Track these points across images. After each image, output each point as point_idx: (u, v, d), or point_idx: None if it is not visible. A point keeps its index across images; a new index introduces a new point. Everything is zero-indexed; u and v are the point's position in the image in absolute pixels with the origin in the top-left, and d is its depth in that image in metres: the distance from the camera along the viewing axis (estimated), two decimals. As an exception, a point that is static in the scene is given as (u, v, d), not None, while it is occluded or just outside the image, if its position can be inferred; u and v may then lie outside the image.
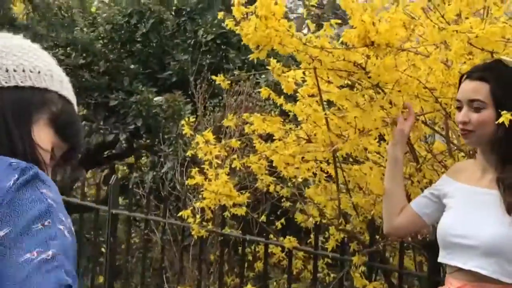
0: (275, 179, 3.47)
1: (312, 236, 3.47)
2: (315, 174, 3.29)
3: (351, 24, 2.49)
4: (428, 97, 2.64)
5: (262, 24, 2.44)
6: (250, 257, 4.21)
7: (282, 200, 3.74)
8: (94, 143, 6.55)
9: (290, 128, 3.20)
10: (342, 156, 3.22)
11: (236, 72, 3.40)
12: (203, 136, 3.06)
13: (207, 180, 3.25)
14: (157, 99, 5.38)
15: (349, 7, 2.47)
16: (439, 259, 2.31)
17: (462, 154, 2.89)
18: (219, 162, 3.16)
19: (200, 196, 3.41)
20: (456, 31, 2.16)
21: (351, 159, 3.30)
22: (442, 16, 2.23)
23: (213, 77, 2.91)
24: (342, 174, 3.06)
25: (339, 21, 2.51)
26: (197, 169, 3.28)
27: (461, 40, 2.18)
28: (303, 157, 3.16)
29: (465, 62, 2.40)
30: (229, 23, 2.54)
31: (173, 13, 6.76)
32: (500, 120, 2.05)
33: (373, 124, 2.59)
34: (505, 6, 2.55)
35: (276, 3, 2.51)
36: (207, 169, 3.27)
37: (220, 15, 2.60)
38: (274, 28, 2.46)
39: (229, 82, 3.02)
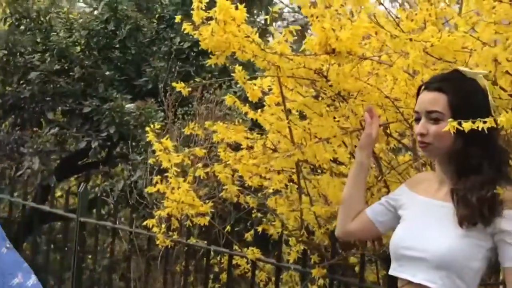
0: (241, 188, 3.42)
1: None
2: (287, 186, 3.24)
3: (313, 31, 2.45)
4: (390, 107, 2.61)
5: (220, 28, 2.39)
6: (216, 268, 4.15)
7: (253, 211, 3.69)
8: (73, 151, 6.50)
9: (257, 137, 3.15)
10: (310, 167, 3.18)
11: (197, 79, 3.35)
12: (161, 144, 3.00)
13: (169, 188, 3.18)
14: (129, 106, 5.33)
15: (309, 13, 2.42)
16: (390, 272, 2.27)
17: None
18: (179, 170, 3.09)
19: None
20: (411, 39, 2.11)
21: (319, 170, 3.25)
22: (398, 25, 2.18)
23: (174, 84, 2.85)
24: (305, 185, 3.01)
25: (300, 27, 2.46)
26: (159, 177, 3.22)
27: (417, 48, 2.14)
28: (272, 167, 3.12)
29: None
30: (187, 27, 2.49)
31: (154, 20, 6.73)
32: (446, 128, 2.02)
33: (331, 132, 2.54)
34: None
35: (236, 8, 2.47)
36: (171, 178, 3.20)
37: (178, 18, 2.55)
38: (232, 33, 2.41)
39: (200, 89, 2.99)
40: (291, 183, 3.21)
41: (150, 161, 3.15)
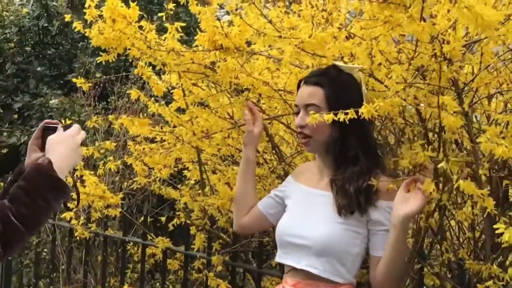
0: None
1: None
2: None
3: (202, 27, 2.54)
4: (280, 100, 2.71)
5: (107, 26, 2.47)
6: (135, 258, 4.24)
7: (176, 202, 3.76)
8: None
9: (168, 130, 3.23)
10: (221, 157, 3.27)
11: (98, 75, 3.38)
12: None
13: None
14: (53, 102, 5.37)
15: (197, 11, 2.51)
16: (276, 259, 2.38)
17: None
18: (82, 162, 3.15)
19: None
20: (280, 36, 2.21)
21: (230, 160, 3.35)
22: (270, 22, 2.28)
23: (74, 79, 2.91)
24: (207, 175, 3.12)
25: (184, 24, 2.55)
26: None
27: (289, 45, 2.23)
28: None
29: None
30: (77, 26, 2.57)
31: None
32: (308, 120, 2.09)
33: (217, 126, 2.65)
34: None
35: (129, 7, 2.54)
36: (81, 170, 3.26)
37: (68, 17, 2.62)
38: (120, 30, 2.49)
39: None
40: (213, 174, 3.30)
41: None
